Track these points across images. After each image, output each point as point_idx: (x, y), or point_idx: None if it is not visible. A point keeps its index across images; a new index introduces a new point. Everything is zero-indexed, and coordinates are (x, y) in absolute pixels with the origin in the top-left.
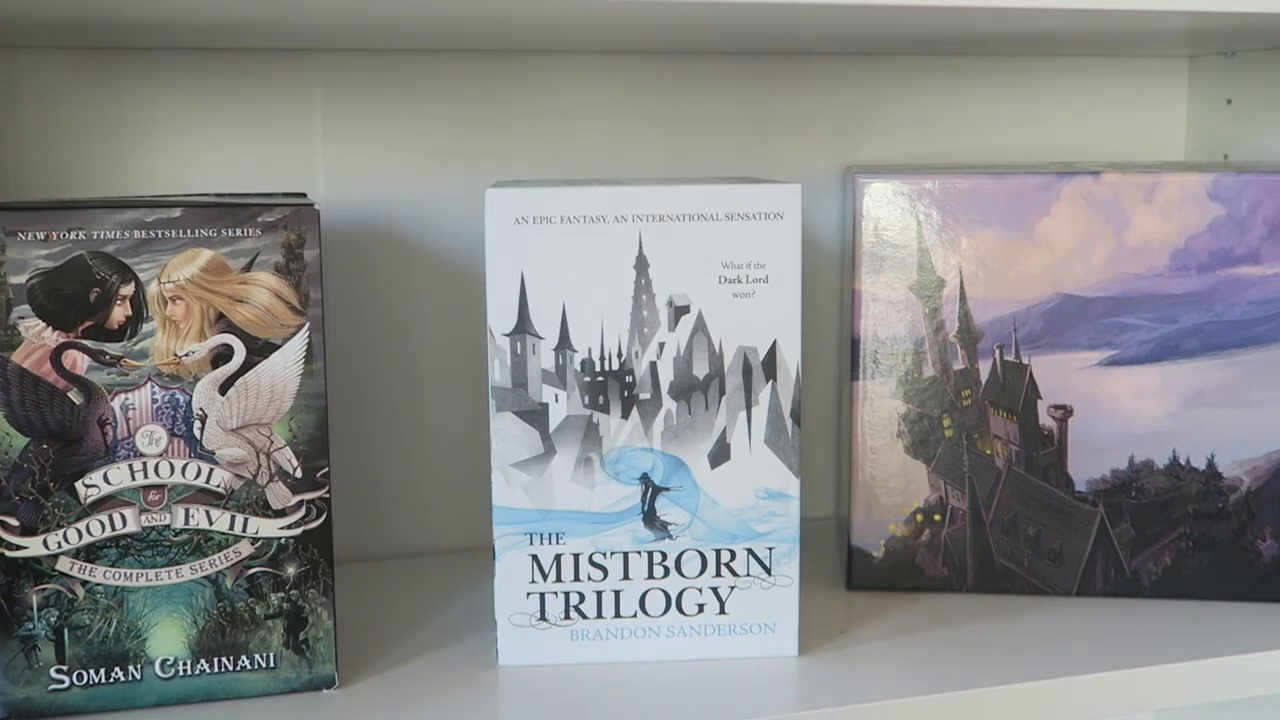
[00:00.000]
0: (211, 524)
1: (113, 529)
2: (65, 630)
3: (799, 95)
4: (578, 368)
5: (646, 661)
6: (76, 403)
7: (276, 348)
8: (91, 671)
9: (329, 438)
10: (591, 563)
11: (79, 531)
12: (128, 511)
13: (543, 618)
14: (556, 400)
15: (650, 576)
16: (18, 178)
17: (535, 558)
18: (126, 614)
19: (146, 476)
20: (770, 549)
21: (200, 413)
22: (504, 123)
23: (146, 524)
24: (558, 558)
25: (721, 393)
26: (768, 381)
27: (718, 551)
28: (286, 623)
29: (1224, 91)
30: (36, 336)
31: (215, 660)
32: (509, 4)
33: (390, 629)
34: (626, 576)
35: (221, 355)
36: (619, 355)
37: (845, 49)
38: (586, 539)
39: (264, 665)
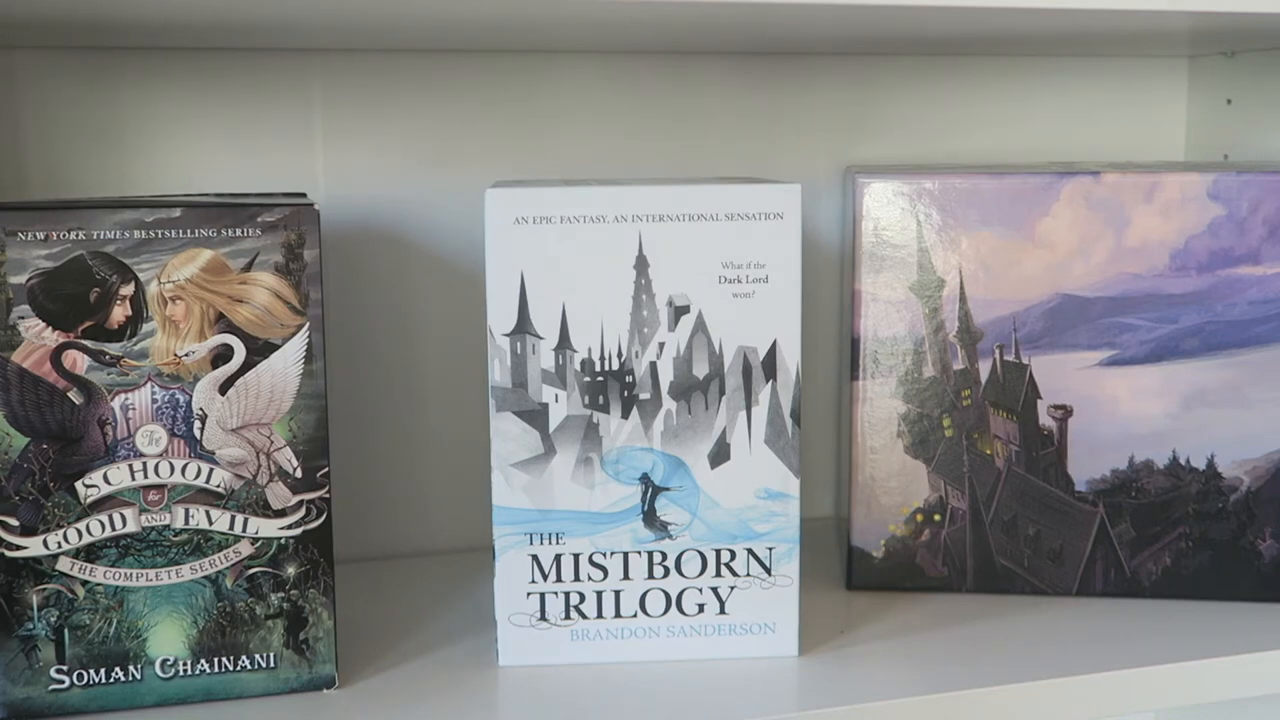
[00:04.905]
0: (211, 524)
1: (113, 529)
2: (65, 630)
3: (799, 95)
4: (578, 368)
5: (646, 661)
6: (76, 403)
7: (276, 348)
8: (91, 671)
9: (329, 438)
10: (591, 563)
11: (79, 531)
12: (128, 511)
13: (543, 618)
14: (556, 400)
15: (650, 576)
16: (18, 178)
17: (535, 558)
18: (126, 614)
19: (146, 476)
20: (770, 549)
21: (200, 413)
22: (504, 123)
23: (146, 524)
24: (558, 558)
25: (721, 393)
26: (768, 381)
27: (718, 551)
28: (286, 623)
29: (1224, 91)
30: (36, 336)
31: (215, 660)
32: (509, 4)
33: (390, 629)
34: (626, 576)
35: (221, 355)
36: (619, 355)
37: (845, 49)
38: (586, 539)
39: (264, 665)
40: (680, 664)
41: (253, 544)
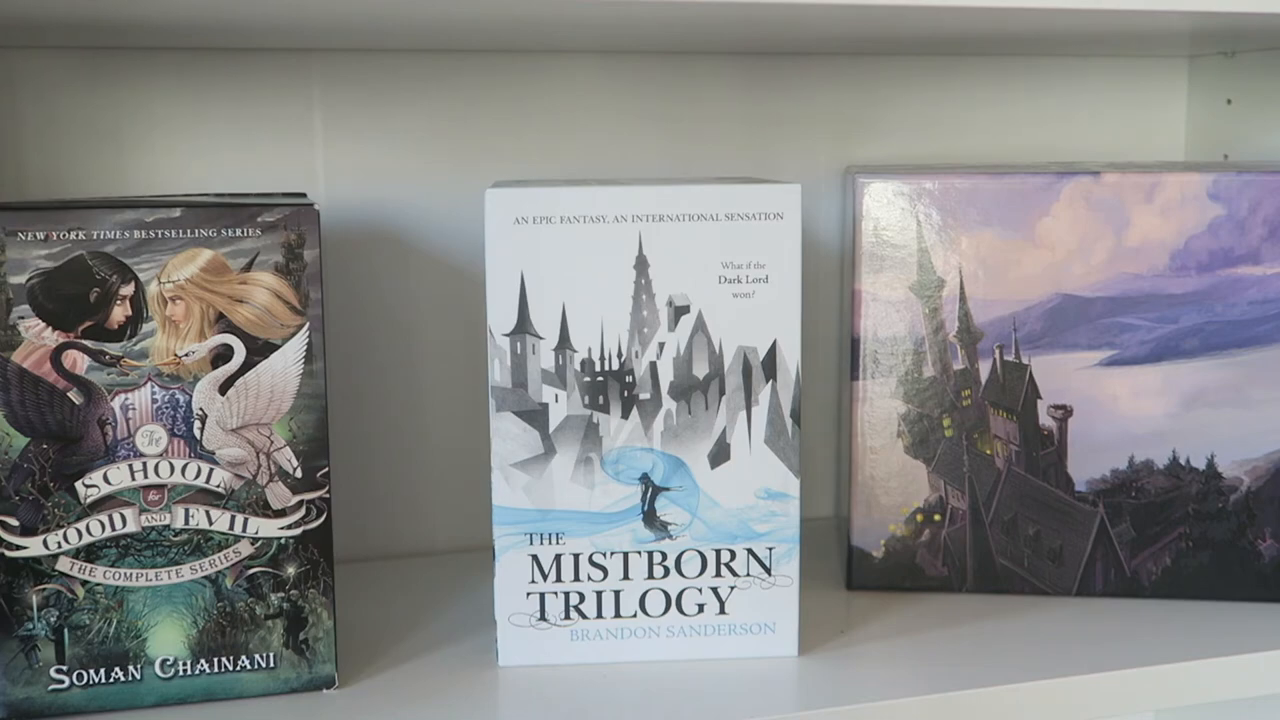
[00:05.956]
0: (211, 524)
1: (113, 529)
2: (65, 630)
3: (799, 95)
4: (578, 368)
5: (646, 661)
6: (76, 403)
7: (276, 348)
8: (91, 671)
9: (329, 438)
10: (591, 563)
11: (79, 531)
12: (128, 511)
13: (543, 618)
14: (556, 400)
15: (650, 576)
16: (18, 178)
17: (535, 558)
18: (126, 614)
19: (146, 476)
20: (770, 549)
21: (200, 413)
22: (504, 123)
23: (146, 524)
24: (558, 558)
25: (721, 393)
26: (768, 381)
27: (718, 551)
28: (286, 623)
29: (1224, 91)
30: (36, 336)
31: (215, 660)
32: (509, 4)
33: (390, 629)
34: (626, 576)
35: (221, 355)
36: (619, 355)
37: (845, 49)
38: (586, 539)
39: (264, 665)
40: (680, 664)
41: (253, 544)
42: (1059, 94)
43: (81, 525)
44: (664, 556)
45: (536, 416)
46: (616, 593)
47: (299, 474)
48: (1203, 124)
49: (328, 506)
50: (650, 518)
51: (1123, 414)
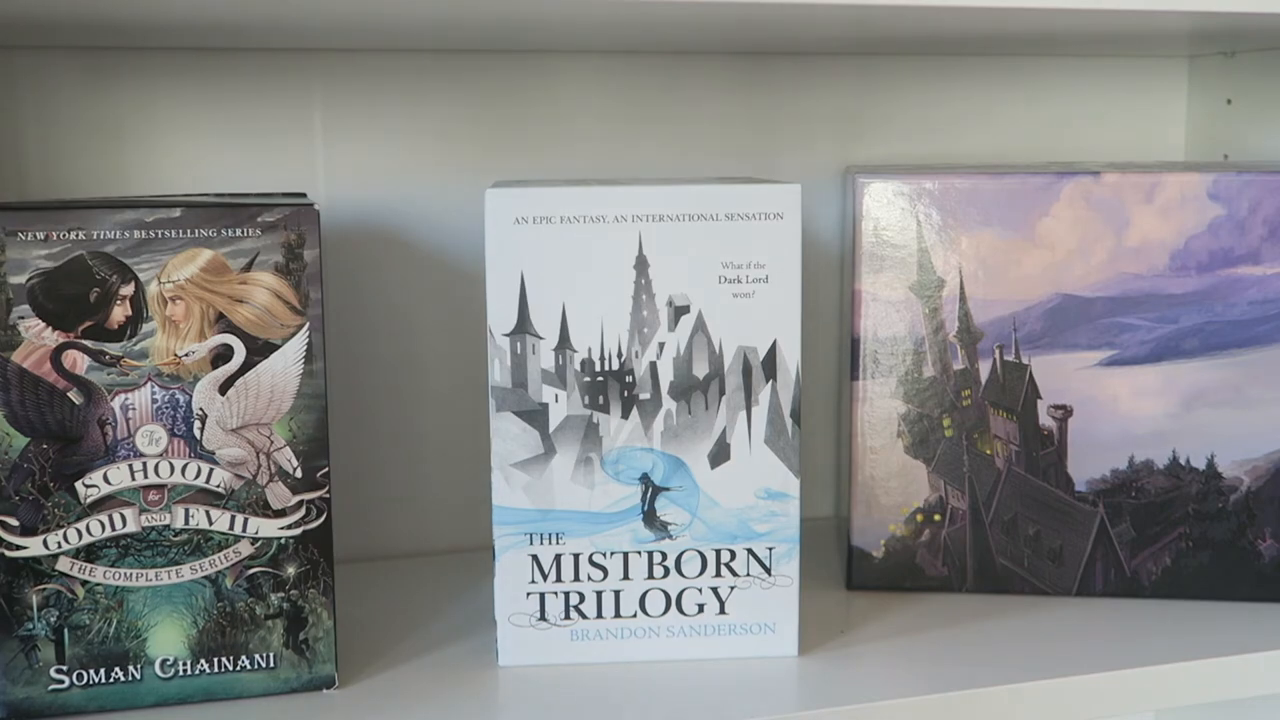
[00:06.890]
0: (211, 524)
1: (113, 529)
2: (65, 630)
3: (799, 95)
4: (578, 368)
5: (646, 661)
6: (76, 403)
7: (276, 348)
8: (91, 671)
9: (329, 438)
10: (591, 563)
11: (79, 531)
12: (128, 511)
13: (543, 618)
14: (556, 400)
15: (650, 576)
16: (18, 178)
17: (535, 558)
18: (126, 614)
19: (146, 476)
20: (770, 549)
21: (200, 413)
22: (504, 123)
23: (146, 524)
24: (558, 558)
25: (721, 393)
26: (768, 381)
27: (718, 551)
28: (286, 623)
29: (1224, 91)
30: (36, 336)
31: (215, 660)
32: (509, 4)
33: (390, 629)
34: (626, 576)
35: (221, 355)
36: (619, 355)
37: (845, 49)
38: (586, 539)
39: (264, 665)
40: (680, 664)
41: (253, 544)
42: (1059, 94)
43: (81, 525)
44: (664, 556)
45: (536, 416)
46: (616, 593)
47: (299, 474)
48: (1203, 124)
49: (328, 506)
50: (650, 518)
51: (1123, 414)
